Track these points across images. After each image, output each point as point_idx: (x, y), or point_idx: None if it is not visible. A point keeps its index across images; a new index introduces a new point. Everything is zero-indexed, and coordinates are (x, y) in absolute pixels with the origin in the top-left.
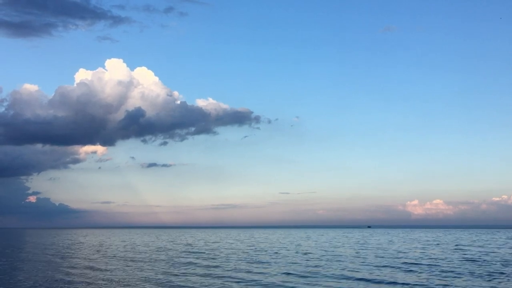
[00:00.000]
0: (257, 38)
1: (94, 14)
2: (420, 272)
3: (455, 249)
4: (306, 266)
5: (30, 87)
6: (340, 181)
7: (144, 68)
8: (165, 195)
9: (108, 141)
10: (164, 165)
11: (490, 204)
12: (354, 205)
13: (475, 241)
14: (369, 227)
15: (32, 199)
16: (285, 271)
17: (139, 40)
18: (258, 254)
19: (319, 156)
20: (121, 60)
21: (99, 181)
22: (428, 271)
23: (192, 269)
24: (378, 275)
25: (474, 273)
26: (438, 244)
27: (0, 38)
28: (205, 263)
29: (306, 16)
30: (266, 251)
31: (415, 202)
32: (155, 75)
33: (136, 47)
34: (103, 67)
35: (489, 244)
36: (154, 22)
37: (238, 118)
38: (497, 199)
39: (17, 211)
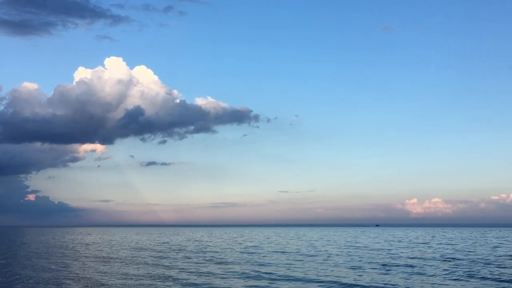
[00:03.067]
0: (256, 37)
1: (93, 13)
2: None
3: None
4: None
5: (29, 86)
6: (339, 180)
7: (143, 67)
8: (164, 193)
9: (107, 140)
10: (163, 164)
11: (488, 202)
12: (353, 204)
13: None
14: (377, 225)
15: (31, 197)
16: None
17: (138, 39)
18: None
19: (318, 155)
20: (120, 59)
21: (98, 180)
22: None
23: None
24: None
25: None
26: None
27: (0, 37)
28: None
29: (305, 16)
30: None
31: (414, 200)
32: (155, 73)
33: (136, 46)
34: (103, 66)
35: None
36: (153, 21)
37: (237, 117)
38: (496, 197)
39: (16, 210)
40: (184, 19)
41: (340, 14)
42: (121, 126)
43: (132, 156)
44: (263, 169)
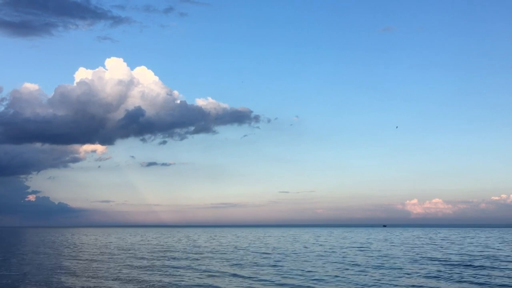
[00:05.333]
0: (257, 38)
1: (94, 14)
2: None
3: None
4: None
5: (30, 86)
6: (340, 180)
7: (144, 68)
8: (165, 194)
9: (107, 140)
10: (164, 164)
11: (489, 203)
12: (353, 204)
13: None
14: (384, 226)
15: (32, 198)
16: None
17: (139, 40)
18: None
19: (319, 155)
20: (121, 59)
21: (99, 180)
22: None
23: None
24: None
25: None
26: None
27: (1, 37)
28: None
29: (305, 16)
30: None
31: (415, 201)
32: (155, 74)
33: (136, 47)
34: (103, 66)
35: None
36: (154, 22)
37: (238, 117)
38: (496, 198)
39: (17, 210)
40: (184, 20)
41: (340, 14)
42: (121, 126)
43: (132, 156)
44: (263, 170)
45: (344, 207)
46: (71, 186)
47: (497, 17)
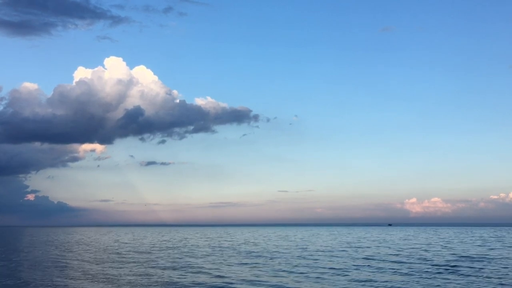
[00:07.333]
0: (256, 37)
1: (93, 14)
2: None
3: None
4: None
5: (29, 86)
6: (339, 180)
7: (143, 67)
8: (164, 193)
9: (106, 140)
10: (163, 164)
11: (488, 202)
12: (353, 204)
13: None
14: (389, 225)
15: (31, 197)
16: None
17: (138, 40)
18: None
19: (318, 154)
20: (120, 59)
21: (98, 179)
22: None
23: None
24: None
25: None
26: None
27: (0, 37)
28: None
29: (305, 16)
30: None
31: (414, 200)
32: (154, 74)
33: (135, 46)
34: (103, 66)
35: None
36: (153, 22)
37: (237, 117)
38: (495, 197)
39: (16, 209)
40: (184, 19)
41: (340, 14)
42: (120, 126)
43: (131, 156)
44: (262, 169)
45: (343, 206)
46: (70, 185)
47: (497, 17)
